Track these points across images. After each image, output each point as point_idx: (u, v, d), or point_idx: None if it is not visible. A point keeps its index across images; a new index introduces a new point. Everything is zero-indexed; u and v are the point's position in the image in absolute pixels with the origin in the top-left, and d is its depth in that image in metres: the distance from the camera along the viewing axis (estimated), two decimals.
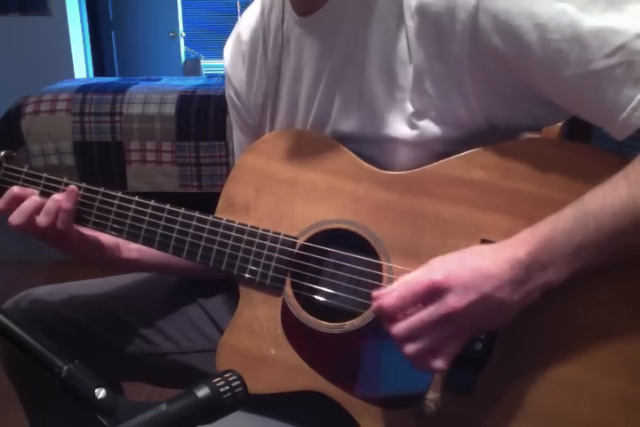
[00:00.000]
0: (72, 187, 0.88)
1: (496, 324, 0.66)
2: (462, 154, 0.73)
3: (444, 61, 0.71)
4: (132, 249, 0.96)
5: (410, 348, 0.64)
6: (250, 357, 0.83)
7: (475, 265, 0.64)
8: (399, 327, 0.64)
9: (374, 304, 0.66)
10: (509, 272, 0.63)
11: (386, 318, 0.65)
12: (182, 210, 0.86)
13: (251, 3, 0.97)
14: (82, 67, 4.82)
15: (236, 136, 1.02)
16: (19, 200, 0.87)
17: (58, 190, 0.90)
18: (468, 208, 0.72)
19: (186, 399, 0.50)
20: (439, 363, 0.64)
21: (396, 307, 0.64)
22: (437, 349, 0.64)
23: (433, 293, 0.63)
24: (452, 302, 0.62)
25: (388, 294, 0.64)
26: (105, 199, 0.89)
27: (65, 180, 0.91)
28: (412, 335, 0.64)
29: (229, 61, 0.96)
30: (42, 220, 0.86)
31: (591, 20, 0.62)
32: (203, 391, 0.50)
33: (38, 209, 0.86)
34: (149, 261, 0.97)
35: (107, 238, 0.94)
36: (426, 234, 0.73)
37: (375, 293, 0.66)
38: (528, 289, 0.63)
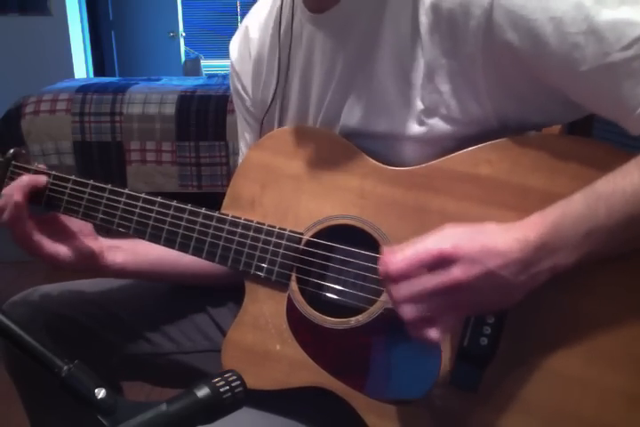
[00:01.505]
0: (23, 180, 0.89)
1: (499, 304, 0.66)
2: (468, 149, 0.73)
3: (456, 58, 0.71)
4: (117, 255, 0.95)
5: (407, 310, 0.64)
6: (255, 352, 0.83)
7: (485, 241, 0.63)
8: (400, 290, 0.64)
9: (380, 269, 0.65)
10: (518, 252, 0.63)
11: (390, 282, 0.65)
12: (189, 206, 0.86)
13: (251, 3, 0.97)
14: (82, 67, 4.83)
15: (241, 128, 1.02)
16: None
17: (65, 188, 0.90)
18: (474, 204, 0.72)
19: (186, 399, 0.50)
20: (434, 333, 0.64)
21: (402, 272, 0.64)
22: (434, 319, 0.64)
23: (439, 262, 0.63)
24: (457, 273, 0.62)
25: (395, 261, 0.64)
26: (112, 196, 0.89)
27: (73, 177, 0.91)
28: (411, 300, 0.64)
29: (237, 55, 0.96)
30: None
31: (607, 13, 0.62)
32: (203, 391, 0.50)
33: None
34: (134, 268, 0.96)
35: (94, 244, 0.93)
36: (431, 230, 0.73)
37: (383, 257, 0.65)
38: (535, 271, 0.63)
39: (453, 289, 0.63)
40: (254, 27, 0.93)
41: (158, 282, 1.03)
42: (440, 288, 0.63)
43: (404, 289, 0.64)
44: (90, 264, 0.93)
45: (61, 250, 0.90)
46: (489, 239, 0.64)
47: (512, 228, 0.65)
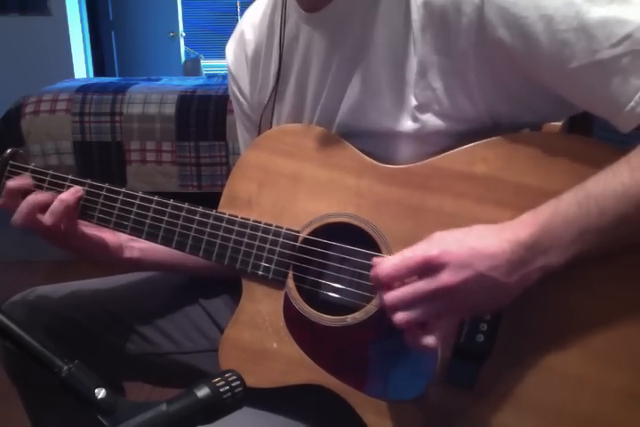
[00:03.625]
0: (78, 188, 0.88)
1: (493, 305, 0.67)
2: (464, 147, 0.73)
3: (448, 55, 0.71)
4: (134, 249, 0.96)
5: (399, 316, 0.65)
6: (252, 351, 0.83)
7: (474, 244, 0.64)
8: (390, 295, 0.65)
9: (371, 275, 0.67)
10: (509, 253, 0.63)
11: (380, 286, 0.66)
12: (186, 205, 0.86)
13: (251, 3, 0.97)
14: (82, 67, 4.83)
15: (240, 132, 1.02)
16: (15, 193, 0.88)
17: (63, 187, 0.90)
18: (470, 202, 0.72)
19: (186, 399, 0.50)
20: (430, 340, 0.65)
21: (391, 276, 0.65)
22: (429, 324, 0.65)
23: (428, 267, 0.64)
24: (446, 277, 0.63)
25: (384, 264, 0.65)
26: (109, 195, 0.89)
27: (70, 177, 0.91)
28: (402, 305, 0.64)
29: (232, 59, 0.96)
30: (47, 219, 0.86)
31: (597, 11, 0.63)
32: (203, 391, 0.50)
33: (41, 207, 0.86)
34: (152, 260, 0.97)
35: (110, 238, 0.94)
36: (428, 228, 0.73)
37: (374, 259, 0.67)
38: (527, 271, 0.64)
39: (444, 294, 0.63)
40: (249, 29, 0.93)
41: (176, 273, 1.03)
42: (429, 293, 0.64)
43: (393, 295, 0.65)
44: (111, 258, 0.94)
45: (90, 243, 0.91)
46: (478, 242, 0.64)
47: (503, 228, 0.65)
